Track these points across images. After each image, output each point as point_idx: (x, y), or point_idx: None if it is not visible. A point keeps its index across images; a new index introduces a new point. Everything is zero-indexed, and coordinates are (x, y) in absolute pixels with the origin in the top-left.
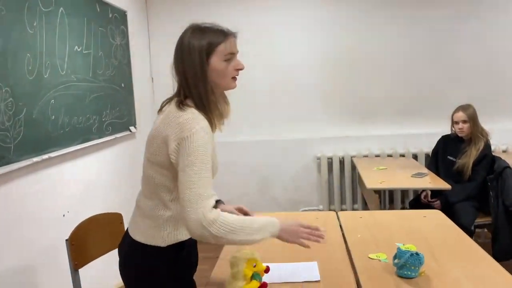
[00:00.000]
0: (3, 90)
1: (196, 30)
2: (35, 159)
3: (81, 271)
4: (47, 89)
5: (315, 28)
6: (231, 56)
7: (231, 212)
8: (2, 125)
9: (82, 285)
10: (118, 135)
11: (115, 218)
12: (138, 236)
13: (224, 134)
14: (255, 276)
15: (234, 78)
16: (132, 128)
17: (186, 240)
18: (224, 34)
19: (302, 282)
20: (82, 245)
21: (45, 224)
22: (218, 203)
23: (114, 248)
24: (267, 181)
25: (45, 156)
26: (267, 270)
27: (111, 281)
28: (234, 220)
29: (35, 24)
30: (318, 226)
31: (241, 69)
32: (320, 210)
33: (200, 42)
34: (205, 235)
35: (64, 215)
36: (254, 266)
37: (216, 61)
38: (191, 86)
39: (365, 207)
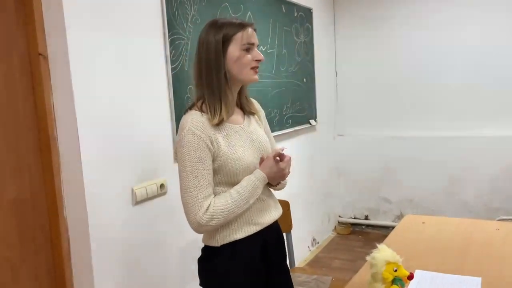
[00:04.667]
0: None
1: (213, 25)
2: None
3: None
4: None
5: None
6: (249, 46)
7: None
8: None
9: None
10: (297, 128)
11: (283, 205)
12: (203, 237)
13: (412, 127)
14: (397, 281)
15: (254, 70)
16: (312, 121)
17: (247, 241)
18: (241, 25)
19: None
20: None
21: None
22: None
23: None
24: (457, 182)
25: None
26: (410, 276)
27: None
28: (225, 204)
29: None
30: (281, 149)
31: (260, 60)
32: None
33: (217, 35)
34: (208, 230)
35: None
36: (395, 271)
37: (233, 49)
38: (204, 77)
39: None
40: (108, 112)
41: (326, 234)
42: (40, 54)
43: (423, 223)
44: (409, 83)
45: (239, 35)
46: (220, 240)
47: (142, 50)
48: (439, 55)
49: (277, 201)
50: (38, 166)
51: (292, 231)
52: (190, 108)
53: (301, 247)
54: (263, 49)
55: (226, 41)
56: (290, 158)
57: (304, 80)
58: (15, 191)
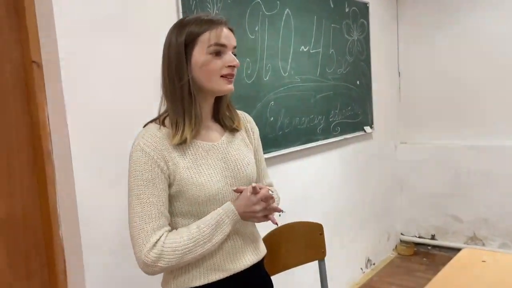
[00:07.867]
0: None
1: (178, 24)
2: None
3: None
4: (266, 91)
5: None
6: (219, 48)
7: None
8: None
9: None
10: (348, 136)
11: (314, 229)
12: (162, 278)
13: (488, 135)
14: None
15: (225, 78)
16: (367, 128)
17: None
18: (210, 23)
19: None
20: (274, 252)
21: None
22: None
23: (307, 262)
24: None
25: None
26: None
27: None
28: (179, 240)
29: (256, 29)
30: (270, 193)
31: (234, 66)
32: None
33: (180, 36)
34: (156, 272)
35: (280, 215)
36: None
37: (198, 53)
38: (167, 86)
39: None
40: (107, 125)
41: (385, 254)
42: (33, 61)
43: (483, 261)
44: (484, 84)
45: (205, 35)
46: (174, 286)
47: (151, 57)
48: None
49: (260, 240)
50: (32, 183)
51: (343, 249)
52: (152, 121)
53: (352, 269)
54: (305, 50)
55: (190, 43)
56: (268, 196)
57: (358, 82)
58: (4, 209)
